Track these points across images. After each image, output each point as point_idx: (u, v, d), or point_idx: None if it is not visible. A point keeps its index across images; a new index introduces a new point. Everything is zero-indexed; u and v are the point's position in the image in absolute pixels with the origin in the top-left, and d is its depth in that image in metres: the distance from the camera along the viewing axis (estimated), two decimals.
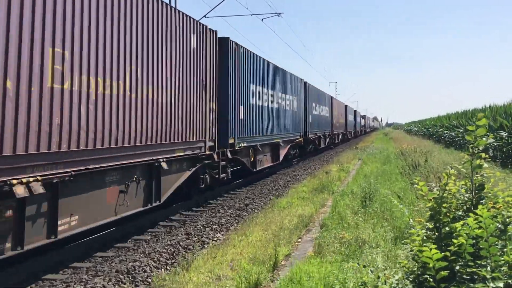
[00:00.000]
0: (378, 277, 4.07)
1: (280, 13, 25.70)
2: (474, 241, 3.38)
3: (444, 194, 3.80)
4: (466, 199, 3.95)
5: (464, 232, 3.40)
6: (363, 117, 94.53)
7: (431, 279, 3.38)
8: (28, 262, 6.70)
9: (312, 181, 16.15)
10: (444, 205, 3.76)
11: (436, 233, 3.71)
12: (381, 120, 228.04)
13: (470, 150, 3.91)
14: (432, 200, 3.81)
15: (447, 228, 3.66)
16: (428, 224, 3.81)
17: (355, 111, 67.53)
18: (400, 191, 10.95)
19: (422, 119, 78.80)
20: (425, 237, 3.73)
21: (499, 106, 26.49)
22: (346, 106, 50.59)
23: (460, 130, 29.89)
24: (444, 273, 3.28)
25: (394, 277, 3.98)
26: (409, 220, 4.37)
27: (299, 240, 8.09)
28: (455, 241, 3.39)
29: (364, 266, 5.03)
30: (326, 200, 12.07)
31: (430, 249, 3.31)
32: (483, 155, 3.93)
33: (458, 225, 3.55)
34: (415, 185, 4.10)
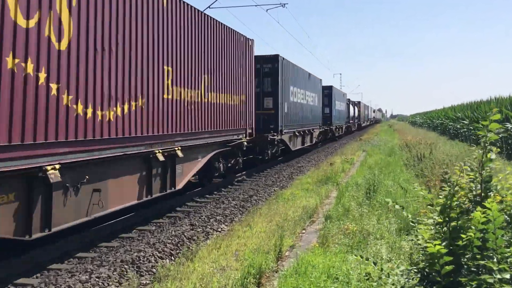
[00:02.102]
0: (381, 270, 4.06)
1: (284, 4, 25.59)
2: (481, 234, 3.37)
3: (456, 189, 3.78)
4: (474, 192, 3.93)
5: (472, 225, 3.39)
6: (356, 104, 58.67)
7: (436, 274, 3.38)
8: (33, 252, 6.73)
9: (316, 172, 16.14)
10: (454, 200, 3.74)
11: (445, 227, 3.70)
12: (386, 112, 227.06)
13: (482, 144, 3.89)
14: (443, 196, 3.79)
15: (453, 224, 3.64)
16: (437, 218, 3.80)
17: (328, 88, 33.52)
18: (404, 182, 10.92)
19: (426, 111, 78.43)
20: (433, 231, 3.72)
21: (505, 98, 26.34)
22: (309, 75, 25.03)
23: (465, 122, 29.75)
24: (448, 268, 3.27)
25: (398, 268, 3.97)
26: (407, 216, 4.33)
27: (303, 231, 8.10)
28: (463, 235, 3.38)
29: (367, 259, 5.03)
30: (330, 191, 12.07)
31: (434, 245, 3.31)
32: (495, 149, 3.91)
33: (464, 221, 3.55)
34: (415, 189, 4.07)
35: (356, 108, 57.44)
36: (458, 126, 31.76)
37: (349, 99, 49.81)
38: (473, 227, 3.37)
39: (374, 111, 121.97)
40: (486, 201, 3.42)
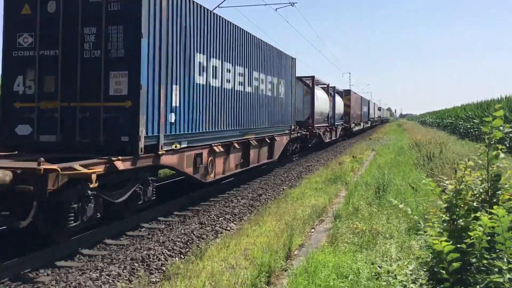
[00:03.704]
0: (389, 272, 4.06)
1: (293, 3, 25.56)
2: (489, 237, 3.36)
3: (461, 186, 3.76)
4: (481, 190, 3.92)
5: (479, 226, 3.38)
6: (340, 93, 35.74)
7: (444, 271, 3.37)
8: (43, 250, 6.79)
9: (325, 171, 16.12)
10: (460, 197, 3.73)
11: (452, 225, 3.69)
12: (395, 111, 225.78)
13: (486, 141, 3.88)
14: (449, 192, 3.78)
15: (460, 221, 3.64)
16: (444, 216, 3.79)
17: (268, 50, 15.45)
18: (414, 182, 10.88)
19: (436, 110, 77.92)
20: (441, 230, 3.71)
21: None
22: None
23: (476, 121, 29.57)
24: (456, 264, 3.27)
25: (408, 267, 3.97)
26: (413, 216, 4.32)
27: (312, 230, 8.11)
28: (471, 233, 3.37)
29: (372, 264, 5.05)
30: (340, 190, 12.06)
31: (441, 242, 3.31)
32: (500, 146, 3.90)
33: (470, 219, 3.53)
34: (423, 181, 4.06)
35: (339, 100, 33.77)
36: (468, 126, 31.57)
37: (313, 77, 23.66)
38: (480, 227, 3.36)
39: (379, 109, 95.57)
40: (493, 201, 3.40)
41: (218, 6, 22.83)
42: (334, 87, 31.14)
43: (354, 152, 23.49)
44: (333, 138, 30.78)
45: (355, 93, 44.84)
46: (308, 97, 23.24)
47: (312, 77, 23.54)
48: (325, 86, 28.60)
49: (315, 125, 23.45)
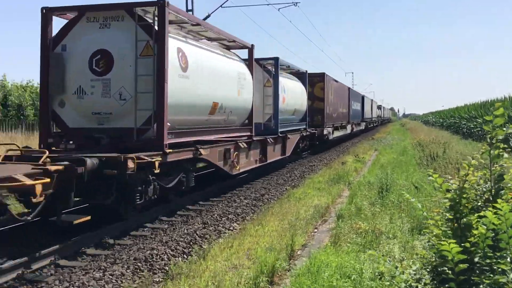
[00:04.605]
0: (396, 267, 4.06)
1: (296, 3, 25.56)
2: (493, 234, 3.34)
3: (465, 185, 3.75)
4: (485, 189, 3.91)
5: (483, 224, 3.37)
6: (301, 77, 20.71)
7: (450, 271, 3.36)
8: (47, 250, 6.80)
9: (328, 171, 16.11)
10: (463, 195, 3.72)
11: (456, 224, 3.68)
12: (398, 111, 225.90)
13: (489, 140, 3.87)
14: (452, 191, 3.77)
15: (464, 220, 3.63)
16: (447, 214, 3.78)
17: None
18: (417, 182, 10.87)
19: (439, 110, 77.81)
20: (445, 229, 3.70)
21: None
22: None
23: (479, 121, 29.53)
24: (463, 265, 3.25)
25: (411, 267, 3.97)
26: (422, 213, 4.33)
27: (315, 230, 8.10)
28: (475, 232, 3.36)
29: (382, 255, 5.03)
30: (342, 190, 12.05)
31: (449, 243, 3.29)
32: (502, 145, 3.89)
33: (474, 218, 3.52)
34: (430, 177, 4.05)
35: (298, 86, 20.01)
36: (471, 125, 31.51)
37: (163, 1, 8.21)
38: (484, 226, 3.35)
39: (379, 107, 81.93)
40: (497, 200, 3.39)
41: (221, 6, 22.85)
42: (276, 58, 16.47)
43: (357, 152, 23.48)
44: (271, 160, 15.62)
45: (336, 81, 28.95)
46: (148, 61, 8.44)
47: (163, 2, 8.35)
48: (247, 49, 13.76)
49: (167, 142, 8.64)
